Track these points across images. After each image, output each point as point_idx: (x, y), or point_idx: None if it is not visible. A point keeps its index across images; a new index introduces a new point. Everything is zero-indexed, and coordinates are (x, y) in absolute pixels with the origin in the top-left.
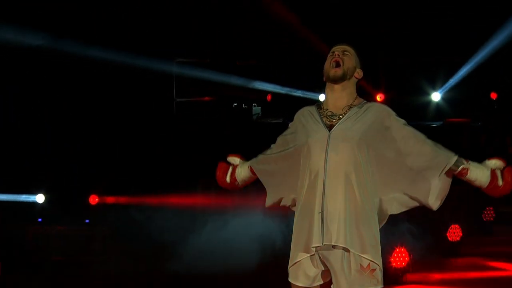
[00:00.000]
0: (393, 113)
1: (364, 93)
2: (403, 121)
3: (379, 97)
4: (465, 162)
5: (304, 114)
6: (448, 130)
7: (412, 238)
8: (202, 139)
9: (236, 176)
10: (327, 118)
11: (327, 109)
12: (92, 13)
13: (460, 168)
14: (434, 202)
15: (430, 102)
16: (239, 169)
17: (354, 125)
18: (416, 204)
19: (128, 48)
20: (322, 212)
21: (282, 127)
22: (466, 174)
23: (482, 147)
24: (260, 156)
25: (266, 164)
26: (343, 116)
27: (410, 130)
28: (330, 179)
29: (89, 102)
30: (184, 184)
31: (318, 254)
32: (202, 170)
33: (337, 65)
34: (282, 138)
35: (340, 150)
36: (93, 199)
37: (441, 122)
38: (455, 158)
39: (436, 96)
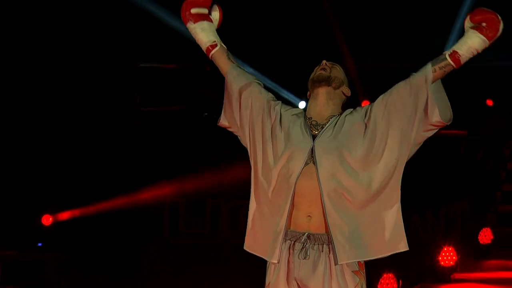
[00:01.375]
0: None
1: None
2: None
3: (363, 104)
4: (445, 53)
5: (295, 113)
6: (441, 144)
7: (401, 262)
8: (169, 153)
9: (197, 23)
10: (311, 127)
11: (311, 118)
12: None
13: (450, 59)
14: (438, 116)
15: None
16: (207, 26)
17: (333, 131)
18: (427, 134)
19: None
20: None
21: None
22: (460, 56)
23: (479, 162)
24: (239, 71)
25: (238, 85)
26: (323, 126)
27: (384, 94)
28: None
29: (39, 109)
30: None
31: (296, 281)
32: (169, 185)
33: (324, 69)
34: (267, 97)
35: (323, 163)
36: (47, 219)
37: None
38: (429, 64)
39: None
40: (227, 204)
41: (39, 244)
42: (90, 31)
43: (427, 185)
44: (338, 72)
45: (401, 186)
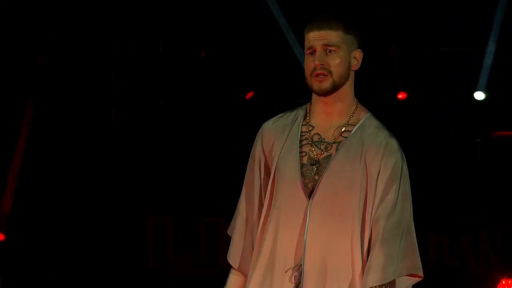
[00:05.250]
0: (402, 174)
1: (379, 93)
2: (401, 193)
3: (400, 96)
4: None
5: (270, 134)
6: (498, 144)
7: None
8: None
9: None
10: (312, 145)
11: (313, 127)
12: None
13: None
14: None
15: (471, 104)
16: None
17: (345, 165)
18: None
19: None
20: None
21: None
22: None
23: None
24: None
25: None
26: (331, 146)
27: (391, 219)
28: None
29: None
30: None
31: None
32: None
33: (319, 77)
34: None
35: (326, 202)
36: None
37: (486, 136)
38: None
39: (479, 96)
40: (228, 223)
41: None
42: None
43: (480, 197)
44: (340, 60)
45: (445, 198)
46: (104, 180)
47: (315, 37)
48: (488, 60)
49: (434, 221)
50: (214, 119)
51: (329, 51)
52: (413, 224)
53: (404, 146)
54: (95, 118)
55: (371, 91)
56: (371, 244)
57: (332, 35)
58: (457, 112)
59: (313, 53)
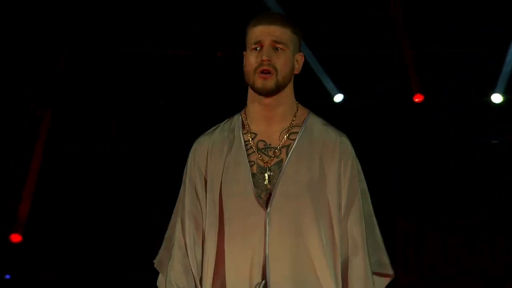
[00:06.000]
0: (358, 171)
1: (394, 96)
2: (361, 189)
3: (417, 99)
4: None
5: (206, 151)
6: (498, 149)
7: None
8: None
9: None
10: (258, 152)
11: (255, 135)
12: None
13: None
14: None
15: (488, 107)
16: None
17: (300, 169)
18: None
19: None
20: None
21: None
22: None
23: None
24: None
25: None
26: (280, 151)
27: (358, 213)
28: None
29: None
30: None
31: None
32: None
33: (264, 74)
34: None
35: (284, 209)
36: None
37: (503, 139)
38: None
39: (497, 98)
40: None
41: (7, 276)
42: None
43: (496, 200)
44: (286, 59)
45: (460, 201)
46: (104, 180)
47: (264, 32)
48: (508, 63)
49: (434, 221)
50: (214, 119)
51: (277, 49)
52: (375, 220)
53: (405, 147)
54: (95, 118)
55: (371, 92)
56: (352, 249)
57: (281, 32)
58: (457, 112)
59: (259, 48)
